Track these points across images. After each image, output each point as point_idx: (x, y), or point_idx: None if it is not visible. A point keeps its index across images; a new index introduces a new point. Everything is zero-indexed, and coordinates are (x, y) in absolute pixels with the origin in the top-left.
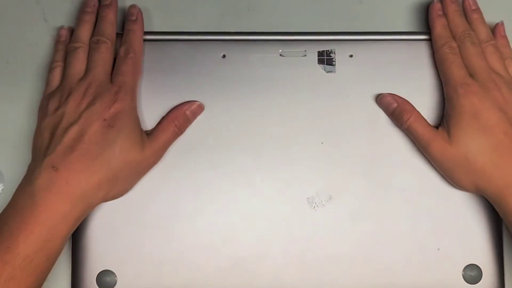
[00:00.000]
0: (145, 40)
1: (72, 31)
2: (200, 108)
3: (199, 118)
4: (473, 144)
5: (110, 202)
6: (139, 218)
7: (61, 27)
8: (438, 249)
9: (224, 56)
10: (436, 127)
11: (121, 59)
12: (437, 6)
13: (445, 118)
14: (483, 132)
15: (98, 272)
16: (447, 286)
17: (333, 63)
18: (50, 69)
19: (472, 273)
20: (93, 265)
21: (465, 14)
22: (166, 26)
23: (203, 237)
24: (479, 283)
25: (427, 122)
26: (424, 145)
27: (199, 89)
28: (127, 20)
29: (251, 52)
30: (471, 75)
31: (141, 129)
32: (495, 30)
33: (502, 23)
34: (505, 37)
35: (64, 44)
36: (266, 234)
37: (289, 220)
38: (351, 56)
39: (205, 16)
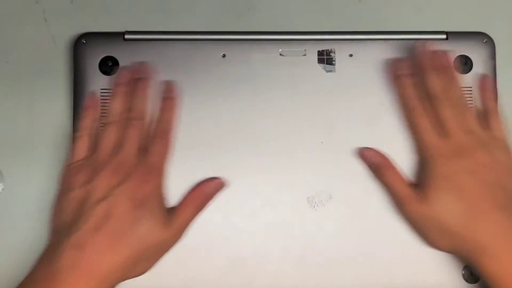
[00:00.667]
0: (145, 40)
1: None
2: (221, 184)
3: (198, 116)
4: (447, 207)
5: None
6: None
7: (90, 93)
8: None
9: (224, 56)
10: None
11: (154, 138)
12: (402, 64)
13: (419, 178)
14: (455, 195)
15: None
16: (447, 285)
17: (333, 62)
18: (76, 137)
19: (472, 272)
20: None
21: (440, 70)
22: (166, 26)
23: (203, 237)
24: (479, 282)
25: (404, 178)
26: (399, 203)
27: (199, 88)
28: (163, 96)
29: (251, 51)
30: (445, 135)
31: (166, 209)
32: (482, 83)
33: (490, 77)
34: (492, 90)
35: (93, 113)
36: (266, 234)
37: (289, 219)
38: (351, 55)
39: (205, 15)
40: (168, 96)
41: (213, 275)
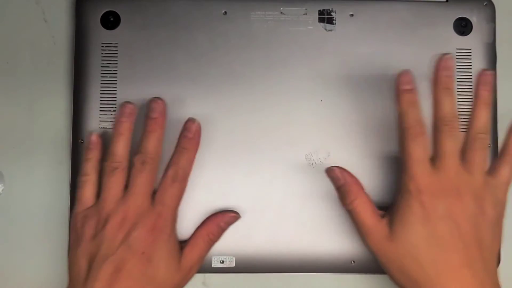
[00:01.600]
0: None
1: (102, 137)
2: (235, 218)
3: (198, 73)
4: (414, 251)
5: None
6: None
7: (92, 133)
8: None
9: (225, 13)
10: (383, 208)
11: (167, 182)
12: (408, 77)
13: (392, 210)
14: (426, 242)
15: None
16: None
17: (334, 22)
18: (80, 182)
19: None
20: None
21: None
22: None
23: (200, 193)
24: None
25: (373, 208)
26: (362, 234)
27: (200, 45)
28: (182, 136)
29: (252, 9)
30: (437, 170)
31: (179, 253)
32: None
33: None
34: None
35: (96, 154)
36: (264, 190)
37: (287, 176)
38: (351, 15)
39: None
40: (188, 136)
41: None
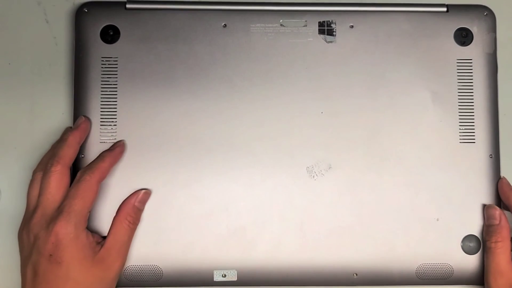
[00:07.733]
0: (146, 9)
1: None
2: (147, 194)
3: (199, 88)
4: None
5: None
6: (139, 186)
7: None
8: (437, 220)
9: (225, 26)
10: None
11: (74, 182)
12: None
13: None
14: None
15: None
16: (446, 256)
17: (334, 33)
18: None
19: (471, 243)
20: None
21: None
22: None
23: (202, 205)
24: (477, 253)
25: (510, 256)
26: (492, 274)
27: (200, 58)
28: (110, 147)
29: (252, 22)
30: None
31: (92, 249)
32: None
33: None
34: None
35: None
36: (265, 203)
37: (288, 189)
38: (351, 26)
39: None
40: (110, 148)
41: (212, 244)
